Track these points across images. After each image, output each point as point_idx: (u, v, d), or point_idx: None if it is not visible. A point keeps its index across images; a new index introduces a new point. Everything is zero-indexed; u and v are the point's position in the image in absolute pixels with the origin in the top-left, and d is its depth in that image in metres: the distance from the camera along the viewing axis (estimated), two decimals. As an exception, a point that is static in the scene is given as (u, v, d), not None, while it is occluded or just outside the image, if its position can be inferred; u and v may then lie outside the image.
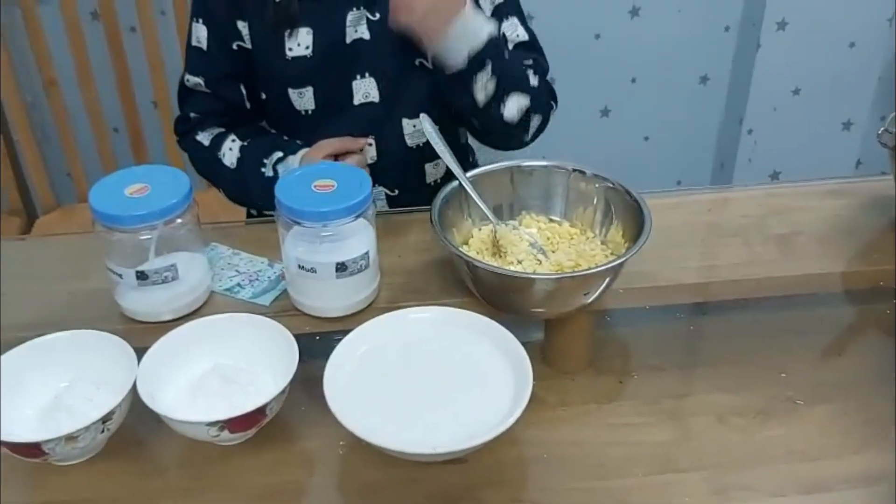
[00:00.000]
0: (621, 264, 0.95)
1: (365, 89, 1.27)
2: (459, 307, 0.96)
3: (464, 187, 1.07)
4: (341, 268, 1.00)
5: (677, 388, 0.94)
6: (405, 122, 1.30)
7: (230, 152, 1.29)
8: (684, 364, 0.99)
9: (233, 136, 1.30)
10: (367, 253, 1.01)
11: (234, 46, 1.27)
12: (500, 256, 1.05)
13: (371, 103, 1.28)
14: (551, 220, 1.12)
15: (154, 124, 1.94)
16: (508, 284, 0.95)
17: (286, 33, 1.23)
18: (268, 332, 0.93)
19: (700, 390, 0.94)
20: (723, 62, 2.32)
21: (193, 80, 1.30)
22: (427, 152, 1.30)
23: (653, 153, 2.45)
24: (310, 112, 1.28)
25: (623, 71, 2.30)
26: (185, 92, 1.33)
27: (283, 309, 1.07)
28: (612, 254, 1.06)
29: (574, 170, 1.11)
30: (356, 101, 1.27)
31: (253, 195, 1.29)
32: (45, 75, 1.83)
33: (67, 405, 0.85)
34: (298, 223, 0.98)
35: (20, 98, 1.86)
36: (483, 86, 1.16)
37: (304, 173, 1.03)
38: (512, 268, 1.02)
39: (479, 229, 1.10)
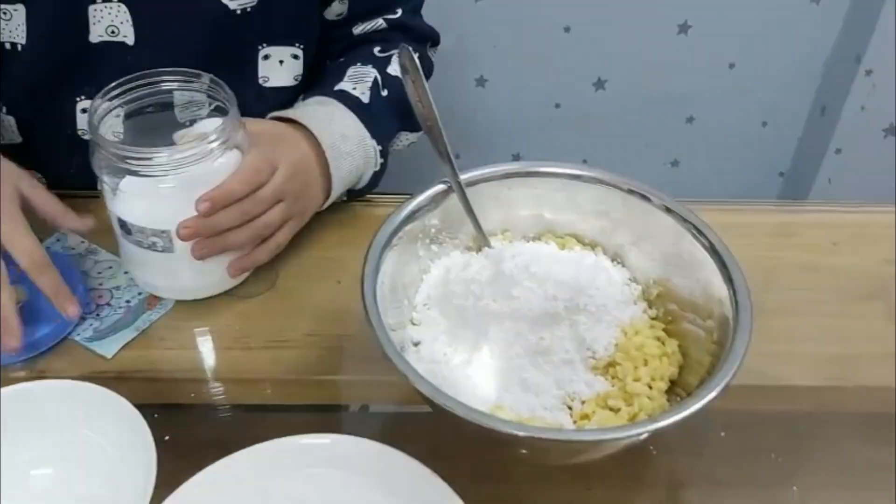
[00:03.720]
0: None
1: (110, 19, 0.77)
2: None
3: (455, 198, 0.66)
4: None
5: None
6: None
7: None
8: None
9: None
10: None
11: None
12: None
13: (118, 45, 0.77)
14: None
15: None
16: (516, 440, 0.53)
17: None
18: (107, 414, 0.57)
19: None
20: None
21: None
22: None
23: (737, 84, 1.95)
24: (19, 48, 0.76)
25: (710, -23, 1.79)
26: None
27: (137, 366, 0.67)
28: (665, 325, 0.64)
29: (631, 191, 0.67)
30: (94, 38, 0.77)
31: None
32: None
33: None
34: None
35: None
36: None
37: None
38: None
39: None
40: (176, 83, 0.68)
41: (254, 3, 0.78)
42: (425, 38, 0.93)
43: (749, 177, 2.12)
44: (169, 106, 0.70)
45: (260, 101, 0.84)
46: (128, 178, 0.66)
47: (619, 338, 0.62)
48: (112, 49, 0.77)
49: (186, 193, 0.65)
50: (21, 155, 0.82)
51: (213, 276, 0.70)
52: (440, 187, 0.66)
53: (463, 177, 0.66)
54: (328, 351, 0.69)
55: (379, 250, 0.61)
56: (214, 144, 0.64)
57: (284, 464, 0.55)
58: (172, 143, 0.70)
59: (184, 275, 0.70)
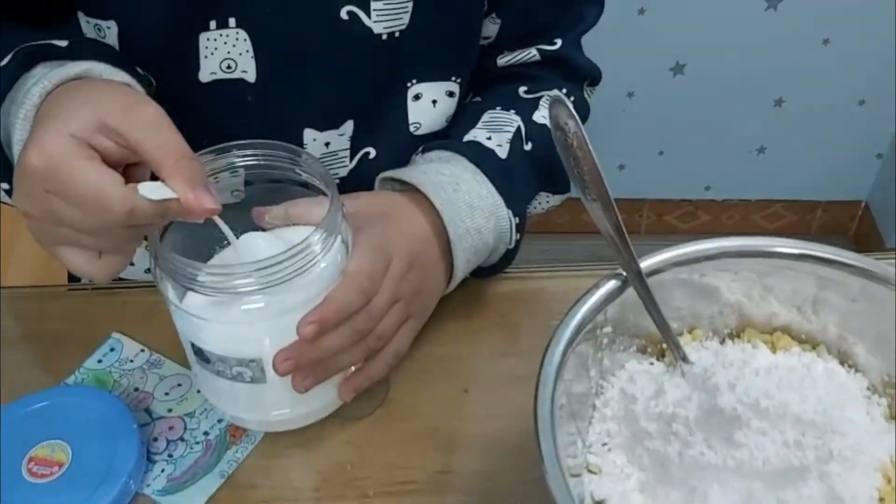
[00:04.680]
0: None
1: (226, 51, 0.59)
2: None
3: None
4: None
5: None
6: (308, 132, 0.64)
7: None
8: None
9: None
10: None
11: None
12: None
13: (235, 83, 0.60)
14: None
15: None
16: None
17: None
18: None
19: None
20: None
21: None
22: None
23: (832, 61, 1.76)
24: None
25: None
26: None
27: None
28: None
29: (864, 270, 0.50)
30: (204, 77, 0.60)
31: None
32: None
33: None
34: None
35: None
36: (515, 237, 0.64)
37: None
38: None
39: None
40: (254, 158, 0.52)
41: (404, 26, 0.61)
42: (583, 77, 0.74)
43: (842, 160, 1.92)
44: (246, 184, 0.53)
45: (407, 155, 0.67)
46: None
47: (883, 487, 0.45)
48: (228, 88, 0.60)
49: (279, 310, 0.49)
50: None
51: (314, 402, 0.55)
52: (614, 282, 0.50)
53: (642, 265, 0.50)
54: (469, 498, 0.54)
55: (554, 371, 0.45)
56: (317, 248, 0.48)
57: None
58: (255, 228, 0.54)
59: (279, 405, 0.54)
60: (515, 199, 0.62)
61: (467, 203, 0.59)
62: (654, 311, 0.49)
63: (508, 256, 0.63)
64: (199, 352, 0.51)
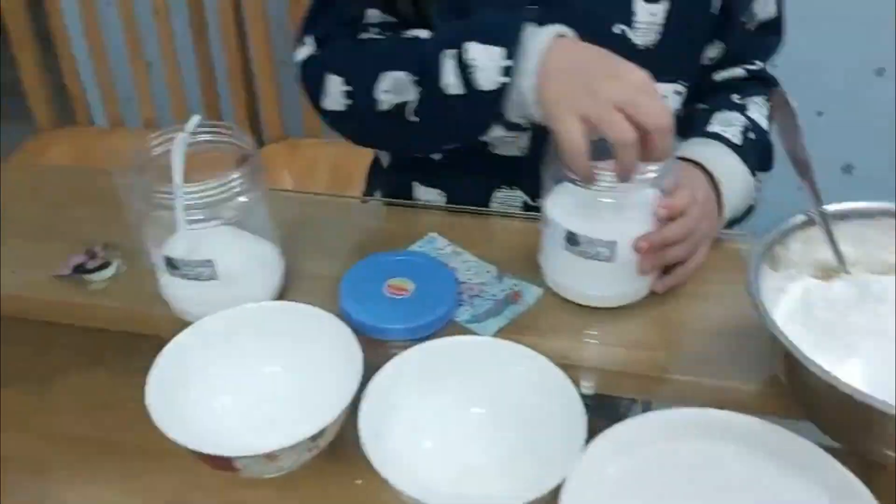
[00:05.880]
0: None
1: None
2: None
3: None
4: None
5: None
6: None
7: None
8: None
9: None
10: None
11: None
12: None
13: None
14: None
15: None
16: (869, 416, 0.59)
17: None
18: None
19: None
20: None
21: None
22: None
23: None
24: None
25: None
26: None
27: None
28: None
29: None
30: None
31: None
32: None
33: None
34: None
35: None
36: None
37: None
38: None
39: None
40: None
41: (656, 42, 0.90)
42: (772, 86, 1.02)
43: None
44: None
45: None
46: (565, 187, 0.76)
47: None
48: None
49: (624, 211, 0.76)
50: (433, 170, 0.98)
51: (627, 287, 0.80)
52: (800, 217, 0.74)
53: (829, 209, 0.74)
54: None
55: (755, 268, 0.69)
56: (651, 177, 0.74)
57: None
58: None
59: (616, 283, 0.79)
60: (752, 170, 0.89)
61: (730, 173, 0.87)
62: (831, 241, 0.73)
63: (750, 210, 0.91)
64: (571, 237, 0.76)
